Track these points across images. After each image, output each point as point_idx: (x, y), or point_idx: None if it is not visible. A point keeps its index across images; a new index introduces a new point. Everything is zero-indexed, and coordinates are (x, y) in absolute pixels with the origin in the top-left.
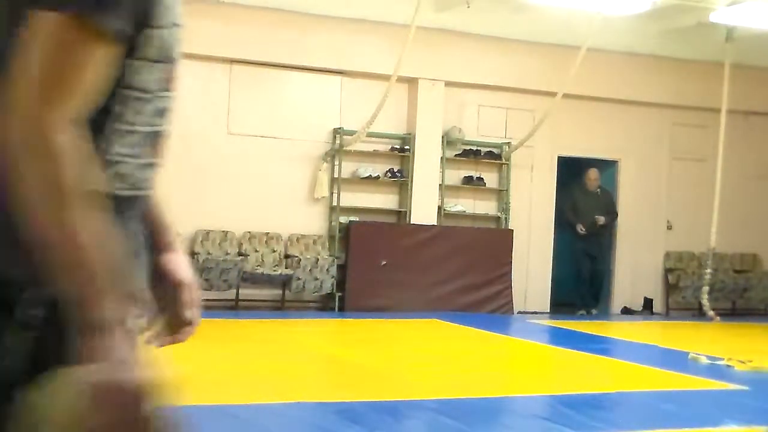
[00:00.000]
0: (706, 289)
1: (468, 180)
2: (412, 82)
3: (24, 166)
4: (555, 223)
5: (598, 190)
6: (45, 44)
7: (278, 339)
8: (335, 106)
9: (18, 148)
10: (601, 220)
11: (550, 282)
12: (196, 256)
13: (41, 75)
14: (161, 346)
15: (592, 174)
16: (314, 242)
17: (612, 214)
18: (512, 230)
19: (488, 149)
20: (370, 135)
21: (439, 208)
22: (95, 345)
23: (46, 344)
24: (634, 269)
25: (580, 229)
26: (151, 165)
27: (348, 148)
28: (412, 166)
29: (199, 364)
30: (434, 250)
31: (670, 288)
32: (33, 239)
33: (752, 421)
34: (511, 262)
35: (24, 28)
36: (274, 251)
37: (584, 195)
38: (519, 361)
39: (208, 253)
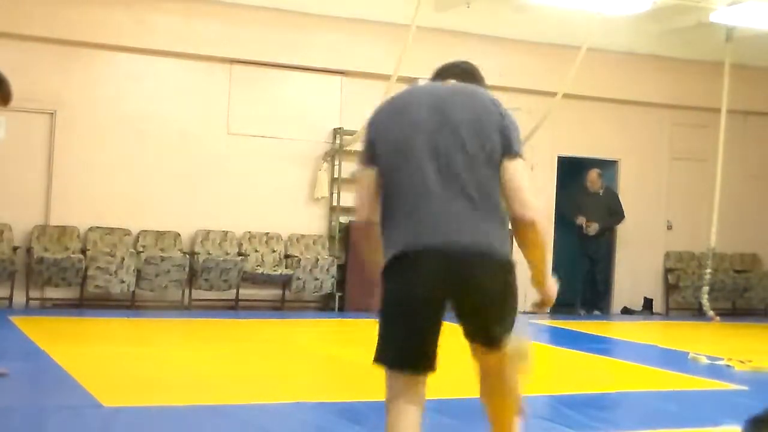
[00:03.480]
0: (706, 289)
1: None
2: (412, 82)
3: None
4: (555, 223)
5: (601, 190)
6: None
7: (278, 339)
8: (335, 106)
9: (532, 225)
10: (593, 229)
11: None
12: (196, 256)
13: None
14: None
15: (592, 175)
16: (314, 242)
17: (617, 215)
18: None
19: None
20: None
21: None
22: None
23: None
24: (634, 269)
25: (580, 221)
26: None
27: (348, 148)
28: None
29: (199, 364)
30: None
31: (670, 288)
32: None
33: None
34: None
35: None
36: (274, 251)
37: (586, 196)
38: None
39: (208, 253)
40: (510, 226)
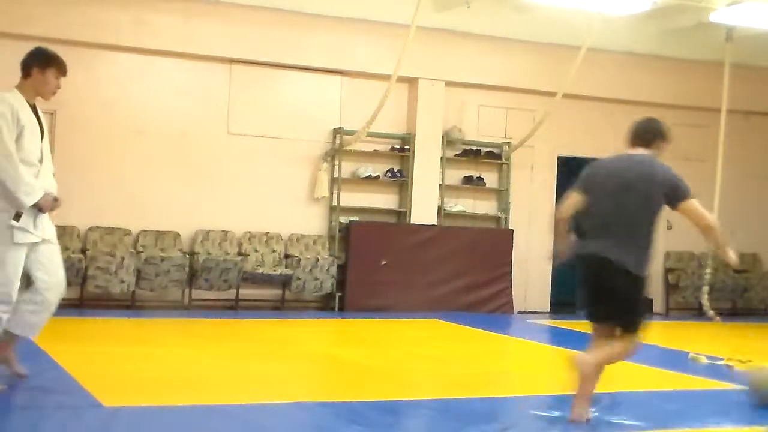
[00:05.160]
0: (706, 289)
1: (468, 180)
2: (412, 82)
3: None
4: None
5: None
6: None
7: (278, 339)
8: (335, 106)
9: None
10: None
11: (550, 282)
12: (196, 256)
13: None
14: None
15: None
16: (314, 242)
17: None
18: (512, 230)
19: (488, 149)
20: (370, 135)
21: (439, 208)
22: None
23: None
24: None
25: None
26: None
27: (348, 148)
28: (412, 166)
29: (199, 364)
30: (434, 250)
31: (670, 288)
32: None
33: (752, 421)
34: (511, 262)
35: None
36: (274, 251)
37: None
38: (519, 361)
39: (208, 253)
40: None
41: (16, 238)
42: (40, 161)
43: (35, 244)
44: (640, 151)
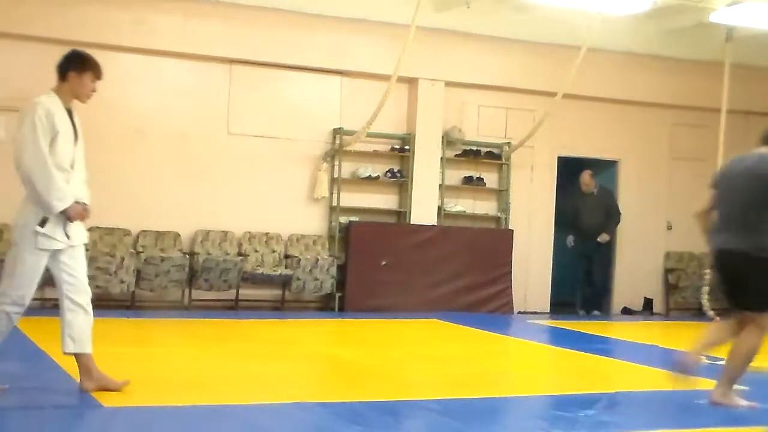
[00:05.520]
0: (706, 289)
1: (468, 180)
2: (412, 82)
3: None
4: (555, 223)
5: (594, 190)
6: None
7: (278, 339)
8: (335, 106)
9: None
10: (605, 238)
11: (550, 282)
12: (196, 256)
13: None
14: None
15: (585, 177)
16: (314, 242)
17: (614, 213)
18: (512, 230)
19: (488, 149)
20: (370, 135)
21: (439, 208)
22: None
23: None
24: (634, 269)
25: (570, 242)
26: None
27: (348, 148)
28: (412, 166)
29: (199, 364)
30: (434, 250)
31: (670, 288)
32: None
33: (752, 421)
34: (511, 262)
35: None
36: (274, 251)
37: (582, 197)
38: (519, 361)
39: (208, 253)
40: None
41: (39, 244)
42: (72, 167)
43: (58, 249)
44: (765, 150)
